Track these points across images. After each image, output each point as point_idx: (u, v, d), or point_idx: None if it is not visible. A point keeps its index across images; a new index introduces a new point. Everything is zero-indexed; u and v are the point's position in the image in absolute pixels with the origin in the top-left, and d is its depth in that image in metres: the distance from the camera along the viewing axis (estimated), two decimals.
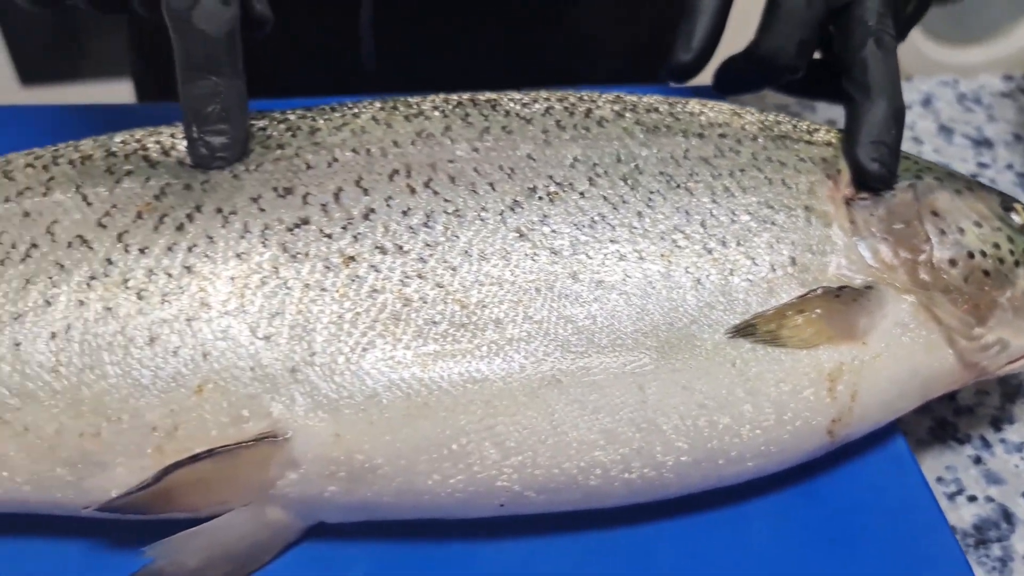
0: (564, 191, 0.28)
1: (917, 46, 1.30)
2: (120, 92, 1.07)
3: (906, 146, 0.33)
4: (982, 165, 0.47)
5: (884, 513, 0.29)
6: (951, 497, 0.32)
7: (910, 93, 0.51)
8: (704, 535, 0.28)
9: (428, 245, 0.26)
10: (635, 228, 0.28)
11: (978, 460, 0.34)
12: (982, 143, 0.48)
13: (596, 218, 0.27)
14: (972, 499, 0.32)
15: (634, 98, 0.32)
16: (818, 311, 0.27)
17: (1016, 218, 0.32)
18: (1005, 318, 0.30)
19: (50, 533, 0.27)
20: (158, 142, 0.29)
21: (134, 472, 0.25)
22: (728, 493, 0.28)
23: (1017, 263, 0.30)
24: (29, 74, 1.21)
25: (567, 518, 0.28)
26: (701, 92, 0.38)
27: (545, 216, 0.27)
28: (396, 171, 0.28)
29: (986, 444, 0.34)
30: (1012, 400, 0.36)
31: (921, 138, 0.48)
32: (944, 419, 0.35)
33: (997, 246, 0.30)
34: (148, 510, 0.25)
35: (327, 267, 0.26)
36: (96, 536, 0.27)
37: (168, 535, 0.25)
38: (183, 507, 0.25)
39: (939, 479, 0.33)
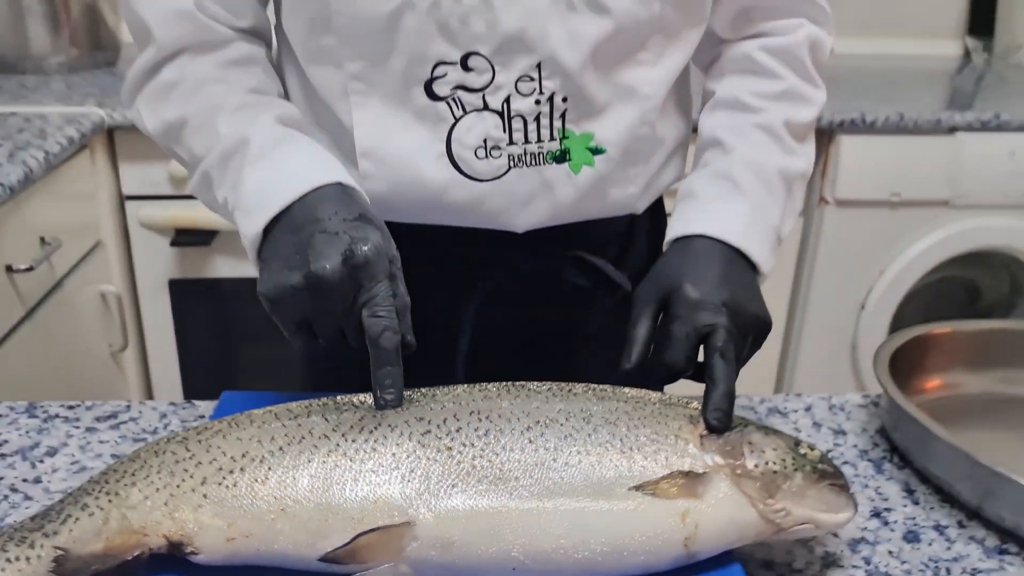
0: (552, 423, 0.57)
1: None
2: None
3: (788, 432, 0.62)
4: (837, 445, 0.74)
5: None
6: None
7: (796, 403, 0.80)
8: None
9: (486, 444, 0.56)
10: (587, 440, 0.56)
11: None
12: (840, 432, 0.76)
13: (568, 434, 0.57)
14: None
15: (595, 385, 0.62)
16: (679, 482, 0.55)
17: (801, 450, 0.59)
18: (787, 495, 0.56)
19: None
20: (361, 399, 0.61)
21: (340, 540, 0.52)
22: None
23: (795, 469, 0.57)
24: (192, 390, 1.60)
25: None
26: None
27: (543, 433, 0.57)
28: (472, 412, 0.58)
29: None
30: (828, 566, 0.60)
31: (800, 429, 0.76)
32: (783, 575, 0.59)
33: (784, 461, 0.58)
34: (343, 561, 0.52)
35: (438, 451, 0.55)
36: None
37: None
38: (360, 560, 0.52)
39: None
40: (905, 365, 0.75)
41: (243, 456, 0.56)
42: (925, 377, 0.78)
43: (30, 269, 1.18)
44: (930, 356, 0.78)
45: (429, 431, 0.56)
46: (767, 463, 0.57)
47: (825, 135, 1.67)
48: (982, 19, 2.30)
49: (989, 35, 2.30)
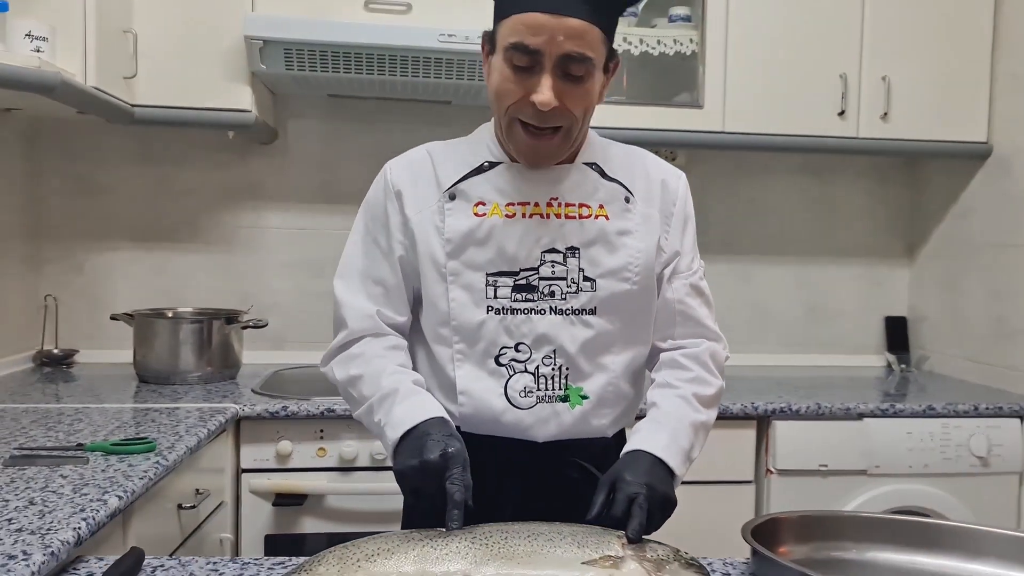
0: (542, 534, 1.07)
1: None
2: None
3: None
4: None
5: None
6: None
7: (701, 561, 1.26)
8: None
9: (505, 541, 1.05)
10: (561, 541, 1.05)
11: None
12: (726, 574, 1.21)
13: (550, 538, 1.06)
14: None
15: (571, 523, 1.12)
16: (608, 561, 1.03)
17: (682, 553, 1.07)
18: (669, 573, 1.03)
19: None
20: (441, 529, 1.10)
21: None
22: None
23: (675, 560, 1.05)
24: None
25: None
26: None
27: (537, 537, 1.06)
28: (499, 529, 1.08)
29: None
30: None
31: None
32: None
33: (668, 555, 1.06)
34: None
35: (481, 544, 1.04)
36: None
37: None
38: None
39: None
40: (764, 535, 1.23)
41: (380, 548, 1.05)
42: (776, 545, 1.25)
43: (192, 507, 1.69)
44: (777, 532, 1.25)
45: (475, 536, 1.06)
46: (658, 555, 1.06)
47: (764, 421, 2.23)
48: (898, 339, 2.94)
49: (905, 350, 2.92)
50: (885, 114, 2.51)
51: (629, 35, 2.50)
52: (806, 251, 2.95)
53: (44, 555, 1.07)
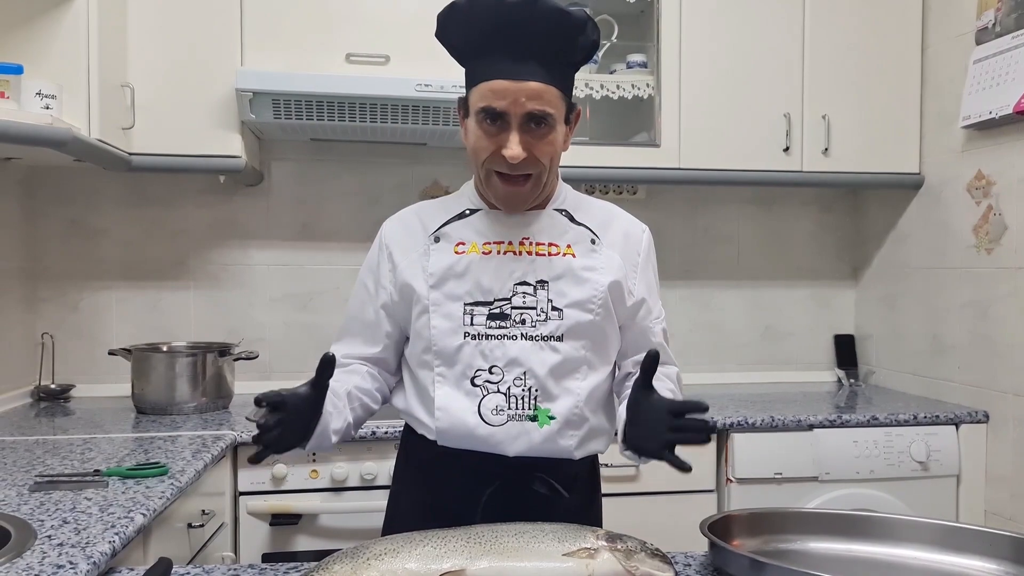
0: (527, 532, 1.24)
1: None
2: None
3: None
4: (686, 566, 1.37)
5: None
6: None
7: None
8: None
9: (495, 538, 1.21)
10: (544, 537, 1.22)
11: None
12: (687, 564, 1.39)
13: (534, 535, 1.23)
14: None
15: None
16: (585, 551, 1.20)
17: (648, 545, 1.24)
18: (637, 561, 1.21)
19: None
20: (443, 533, 1.27)
21: None
22: None
23: (641, 550, 1.22)
24: None
25: None
26: None
27: (523, 535, 1.23)
28: (489, 529, 1.24)
29: None
30: None
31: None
32: None
33: (636, 546, 1.23)
34: None
35: (475, 542, 1.21)
36: None
37: None
38: None
39: None
40: (720, 530, 1.40)
41: (387, 548, 1.21)
42: (730, 538, 1.43)
43: (200, 526, 1.83)
44: (731, 527, 1.43)
45: (470, 535, 1.23)
46: (628, 546, 1.23)
47: (724, 434, 2.41)
48: (846, 356, 3.15)
49: (854, 366, 3.14)
50: (826, 149, 2.74)
51: (591, 81, 2.71)
52: (759, 276, 3.16)
53: (88, 565, 1.22)
